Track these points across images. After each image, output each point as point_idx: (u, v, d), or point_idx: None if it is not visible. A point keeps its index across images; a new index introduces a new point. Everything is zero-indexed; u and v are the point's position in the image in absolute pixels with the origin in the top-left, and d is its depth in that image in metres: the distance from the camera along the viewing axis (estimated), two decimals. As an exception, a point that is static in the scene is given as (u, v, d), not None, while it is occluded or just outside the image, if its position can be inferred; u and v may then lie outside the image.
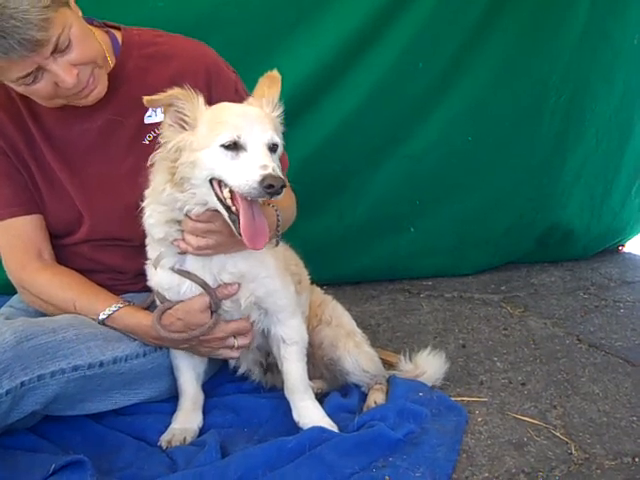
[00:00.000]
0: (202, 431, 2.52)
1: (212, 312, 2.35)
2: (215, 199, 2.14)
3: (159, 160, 2.21)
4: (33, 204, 2.54)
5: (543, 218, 4.70)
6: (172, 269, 2.33)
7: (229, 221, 2.14)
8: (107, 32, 2.54)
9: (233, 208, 2.11)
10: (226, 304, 2.37)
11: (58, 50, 2.18)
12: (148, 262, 2.41)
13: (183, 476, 2.14)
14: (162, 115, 2.32)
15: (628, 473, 2.34)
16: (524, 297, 4.23)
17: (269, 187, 1.98)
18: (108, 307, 2.43)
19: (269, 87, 2.29)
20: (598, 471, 2.35)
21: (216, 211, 2.18)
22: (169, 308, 2.37)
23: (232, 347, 2.46)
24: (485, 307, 4.03)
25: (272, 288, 2.41)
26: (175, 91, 2.12)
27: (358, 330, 2.85)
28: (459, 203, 4.37)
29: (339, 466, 2.20)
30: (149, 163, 2.24)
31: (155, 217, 2.27)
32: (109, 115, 2.50)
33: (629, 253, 5.37)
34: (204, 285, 2.30)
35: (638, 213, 5.32)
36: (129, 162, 2.49)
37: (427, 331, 3.65)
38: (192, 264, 2.31)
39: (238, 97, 2.43)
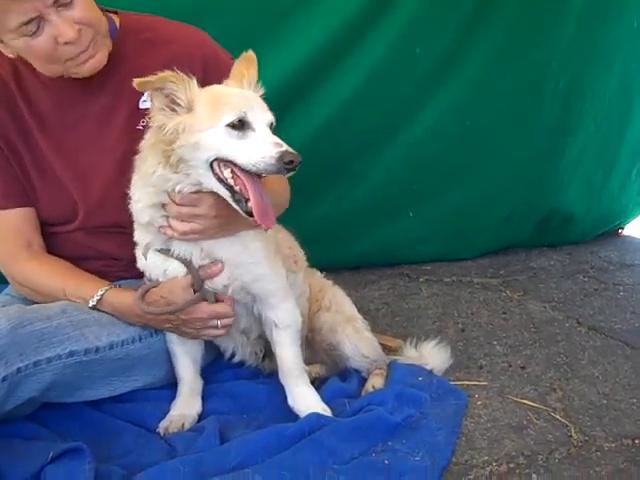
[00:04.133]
0: (201, 417, 2.51)
1: (195, 291, 2.34)
2: (214, 180, 2.14)
3: (151, 144, 2.19)
4: (24, 196, 2.53)
5: (543, 203, 4.70)
6: (156, 249, 2.34)
7: (231, 202, 2.14)
8: (105, 15, 2.50)
9: (237, 188, 2.12)
10: (208, 284, 2.35)
11: (60, 3, 2.18)
12: (137, 247, 2.41)
13: (182, 462, 2.13)
14: None
15: (628, 455, 2.34)
16: (523, 281, 4.23)
17: (289, 163, 2.02)
18: (95, 292, 2.42)
19: (247, 68, 2.29)
20: (598, 453, 2.35)
21: (204, 193, 2.19)
22: (154, 287, 2.37)
23: (215, 327, 2.44)
24: (484, 291, 4.03)
25: (260, 273, 2.40)
26: (167, 73, 2.10)
27: (359, 316, 2.84)
28: (459, 188, 4.36)
29: (339, 451, 2.20)
30: (140, 149, 2.25)
31: (143, 200, 2.26)
32: (105, 100, 2.49)
33: (628, 236, 5.37)
34: (187, 263, 2.30)
35: (637, 196, 5.32)
36: (123, 148, 2.46)
37: (426, 315, 3.65)
38: (179, 249, 2.32)
39: None
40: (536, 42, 4.19)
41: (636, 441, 2.42)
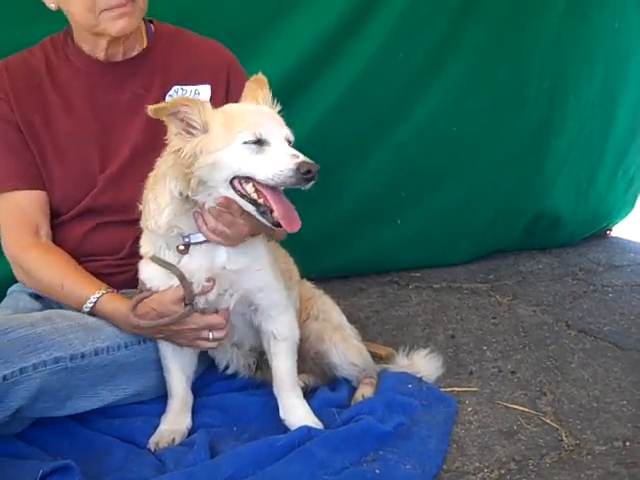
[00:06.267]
0: (191, 431, 2.49)
1: (186, 304, 2.33)
2: (237, 197, 2.17)
3: (170, 167, 2.21)
4: (37, 180, 2.58)
5: (529, 205, 4.70)
6: (151, 258, 2.35)
7: (256, 215, 2.18)
8: (144, 21, 2.64)
9: (260, 201, 2.15)
10: (200, 300, 2.36)
11: None
12: (144, 260, 2.41)
13: (172, 477, 2.12)
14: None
15: (619, 458, 2.34)
16: (512, 285, 4.22)
17: (307, 173, 2.06)
18: (92, 294, 2.43)
19: (261, 88, 2.34)
20: (589, 457, 2.36)
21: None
22: (146, 297, 2.37)
23: (207, 339, 2.43)
24: (474, 296, 4.02)
25: (265, 281, 2.41)
26: (179, 98, 2.19)
27: (347, 324, 2.84)
28: (445, 193, 4.35)
29: (329, 461, 2.20)
30: (155, 169, 2.31)
31: (167, 209, 2.26)
32: (135, 89, 2.61)
33: (616, 237, 5.36)
34: (181, 277, 2.29)
35: (624, 197, 5.32)
36: (146, 134, 2.55)
37: (416, 323, 3.64)
38: (189, 264, 2.31)
39: None
40: (518, 43, 4.22)
41: (627, 443, 2.43)
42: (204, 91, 2.62)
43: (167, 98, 2.57)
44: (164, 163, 2.25)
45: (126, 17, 2.42)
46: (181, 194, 2.21)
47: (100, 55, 2.56)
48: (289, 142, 2.20)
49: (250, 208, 2.18)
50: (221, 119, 2.17)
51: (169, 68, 2.63)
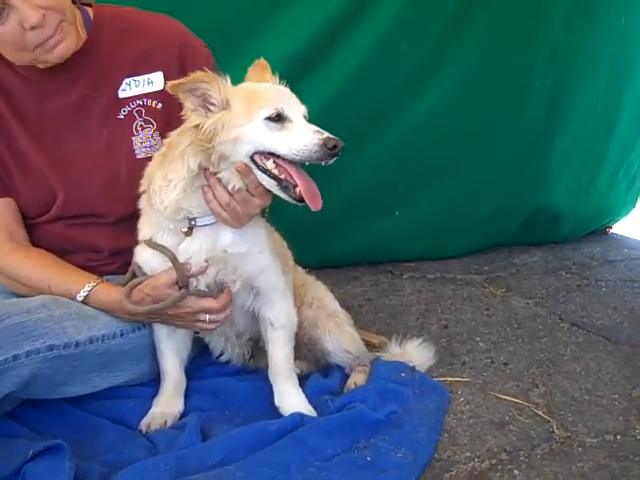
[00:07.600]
0: (183, 414, 2.49)
1: (180, 288, 2.33)
2: (258, 172, 2.18)
3: (190, 145, 2.20)
4: (2, 188, 2.52)
5: (530, 201, 4.69)
6: (145, 242, 2.34)
7: (277, 190, 2.19)
8: (79, 7, 2.50)
9: (282, 176, 2.16)
10: (201, 283, 2.35)
11: None
12: (140, 245, 2.40)
13: (163, 459, 2.12)
14: (137, 89, 2.48)
15: (610, 451, 2.35)
16: (506, 277, 4.23)
17: (333, 148, 2.08)
18: (82, 287, 2.40)
19: (263, 73, 2.35)
20: (580, 449, 2.36)
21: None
22: (139, 283, 2.36)
23: (205, 322, 2.42)
24: (468, 287, 4.03)
25: (265, 263, 2.40)
26: (199, 74, 2.14)
27: (341, 310, 2.84)
28: (444, 187, 4.33)
29: (321, 448, 2.20)
30: (163, 148, 2.31)
31: (186, 194, 2.26)
32: (83, 90, 2.49)
33: (612, 233, 5.39)
34: (173, 260, 2.29)
35: (626, 195, 5.31)
36: (104, 137, 2.50)
37: (410, 312, 3.64)
38: (190, 245, 2.30)
39: (212, 72, 2.42)
40: (522, 39, 4.19)
41: (618, 437, 2.43)
42: (157, 79, 2.53)
43: (120, 93, 2.50)
44: (181, 141, 2.23)
45: (62, 43, 2.31)
46: (200, 167, 2.20)
47: (42, 66, 2.40)
48: (306, 118, 2.20)
49: (271, 183, 2.18)
50: (242, 95, 2.18)
51: (116, 60, 2.50)
